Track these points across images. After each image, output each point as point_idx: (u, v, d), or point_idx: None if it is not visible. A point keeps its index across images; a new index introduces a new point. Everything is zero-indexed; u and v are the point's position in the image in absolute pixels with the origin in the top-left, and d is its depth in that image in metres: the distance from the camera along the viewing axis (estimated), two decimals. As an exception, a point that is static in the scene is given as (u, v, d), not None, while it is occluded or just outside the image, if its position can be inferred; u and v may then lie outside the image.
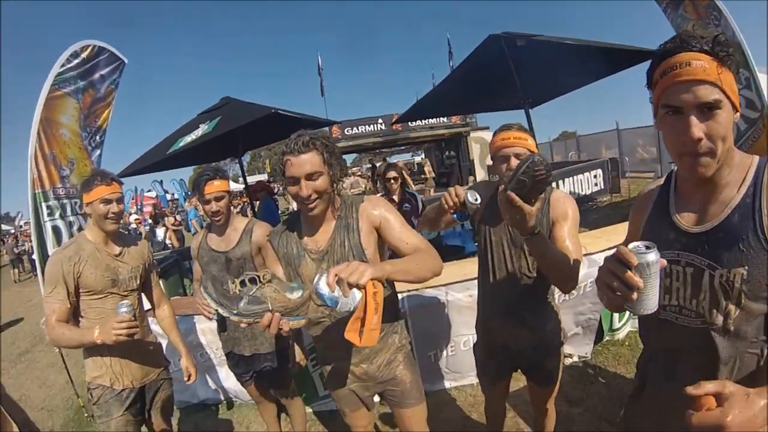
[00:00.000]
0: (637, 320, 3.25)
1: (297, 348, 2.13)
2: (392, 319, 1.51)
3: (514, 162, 1.42)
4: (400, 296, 2.69)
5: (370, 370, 1.48)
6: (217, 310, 1.14)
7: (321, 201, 1.32)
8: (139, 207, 21.18)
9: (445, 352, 2.81)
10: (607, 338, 3.16)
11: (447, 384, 2.90)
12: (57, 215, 3.37)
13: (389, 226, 1.40)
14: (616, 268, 0.78)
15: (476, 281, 1.77)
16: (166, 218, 10.07)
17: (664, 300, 0.92)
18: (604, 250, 3.15)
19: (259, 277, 1.15)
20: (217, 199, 1.94)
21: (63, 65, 3.70)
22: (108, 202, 1.71)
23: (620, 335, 3.20)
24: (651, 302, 0.79)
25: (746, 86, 3.70)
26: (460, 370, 2.84)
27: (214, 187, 1.93)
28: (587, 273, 2.85)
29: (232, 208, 2.11)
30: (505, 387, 1.84)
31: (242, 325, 1.14)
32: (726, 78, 0.78)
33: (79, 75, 3.80)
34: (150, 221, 9.22)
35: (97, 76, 3.98)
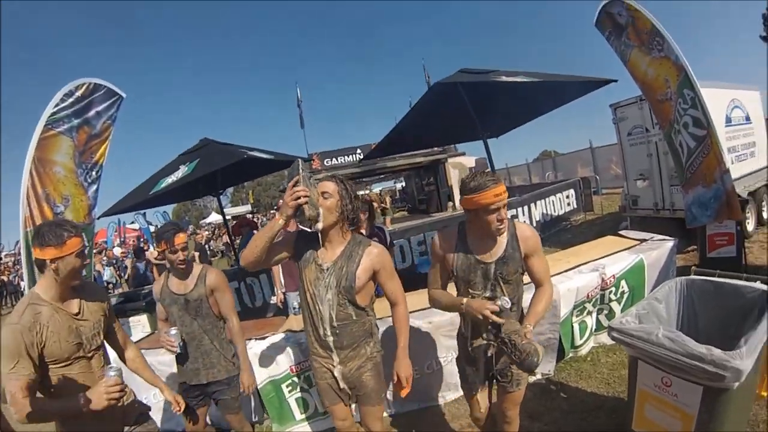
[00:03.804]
0: (598, 336, 3.44)
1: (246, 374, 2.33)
2: (366, 336, 1.89)
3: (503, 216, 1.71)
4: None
5: (344, 371, 1.88)
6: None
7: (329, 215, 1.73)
8: (122, 239, 20.97)
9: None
10: (570, 355, 3.33)
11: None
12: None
13: (385, 274, 1.87)
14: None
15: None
16: (147, 252, 10.05)
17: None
18: (561, 272, 3.38)
19: None
20: (183, 249, 2.24)
21: (56, 105, 3.78)
22: (81, 254, 1.63)
23: (583, 351, 3.37)
24: None
25: (692, 106, 3.83)
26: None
27: (180, 239, 2.23)
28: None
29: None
30: (485, 391, 2.07)
31: None
32: None
33: (73, 113, 3.87)
34: (132, 255, 9.23)
35: (92, 112, 4.03)
